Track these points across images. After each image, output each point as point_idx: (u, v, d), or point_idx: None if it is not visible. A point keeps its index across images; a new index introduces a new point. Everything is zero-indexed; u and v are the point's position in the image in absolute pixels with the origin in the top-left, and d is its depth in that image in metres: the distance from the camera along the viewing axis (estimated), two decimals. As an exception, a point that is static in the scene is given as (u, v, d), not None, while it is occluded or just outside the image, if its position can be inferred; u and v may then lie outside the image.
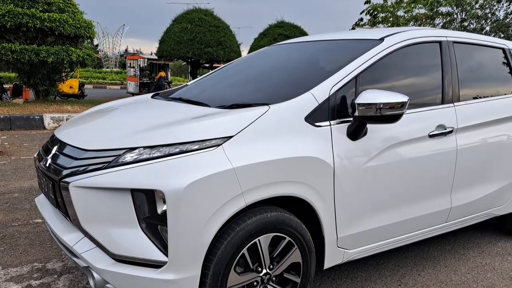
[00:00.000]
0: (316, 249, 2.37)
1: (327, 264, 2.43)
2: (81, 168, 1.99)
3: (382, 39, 2.79)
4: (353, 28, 17.70)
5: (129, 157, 1.94)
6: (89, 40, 18.96)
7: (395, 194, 2.63)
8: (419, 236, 2.91)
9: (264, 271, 2.14)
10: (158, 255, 1.88)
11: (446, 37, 3.10)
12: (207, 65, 22.54)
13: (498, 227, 3.83)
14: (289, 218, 2.18)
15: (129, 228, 1.91)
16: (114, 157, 1.96)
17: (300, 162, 2.18)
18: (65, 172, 2.04)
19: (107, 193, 1.91)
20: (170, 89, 3.44)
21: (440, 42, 3.05)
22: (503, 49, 3.63)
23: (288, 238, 2.19)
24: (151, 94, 3.32)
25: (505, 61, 3.63)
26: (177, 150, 1.94)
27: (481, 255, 3.37)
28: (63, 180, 2.02)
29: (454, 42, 3.14)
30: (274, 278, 2.20)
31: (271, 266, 2.17)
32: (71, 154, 2.14)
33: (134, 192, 1.89)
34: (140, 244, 1.89)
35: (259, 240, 2.08)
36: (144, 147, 1.96)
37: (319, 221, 2.31)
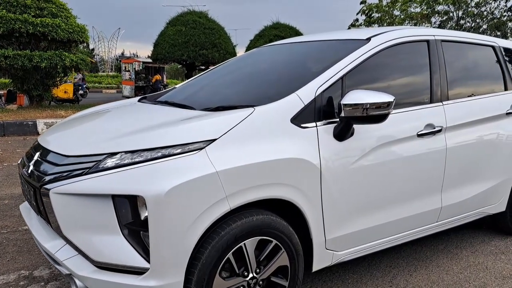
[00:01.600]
0: (304, 252, 2.35)
1: (316, 267, 2.40)
2: (62, 175, 1.97)
3: (368, 39, 2.77)
4: (349, 29, 17.71)
5: (110, 162, 1.91)
6: (84, 44, 18.92)
7: (384, 195, 2.61)
8: (409, 236, 2.88)
9: (251, 275, 2.12)
10: (140, 262, 1.85)
11: (434, 36, 3.08)
12: (203, 67, 22.52)
13: (492, 226, 3.81)
14: (276, 221, 2.16)
15: (111, 235, 1.88)
16: (95, 162, 1.93)
17: (286, 164, 2.15)
18: (46, 178, 2.01)
19: (88, 200, 1.88)
20: (158, 92, 3.42)
21: (427, 41, 3.03)
22: (493, 47, 3.62)
23: (275, 241, 2.17)
24: (138, 97, 3.29)
25: (495, 58, 3.61)
26: (159, 154, 1.91)
27: (474, 254, 3.35)
28: (43, 186, 1.99)
29: (442, 40, 3.12)
30: (261, 282, 2.17)
31: (258, 270, 2.14)
32: (52, 160, 2.11)
33: (116, 198, 1.86)
34: (122, 250, 1.87)
35: (244, 244, 2.06)
36: (126, 152, 1.93)
37: (307, 223, 2.28)
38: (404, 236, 2.84)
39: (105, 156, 1.94)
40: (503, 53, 3.66)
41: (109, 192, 1.85)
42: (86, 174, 1.91)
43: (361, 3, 17.45)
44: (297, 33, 21.46)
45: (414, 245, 3.45)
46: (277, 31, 21.11)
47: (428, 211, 2.88)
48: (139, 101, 3.15)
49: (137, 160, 1.90)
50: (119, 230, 1.87)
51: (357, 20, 18.17)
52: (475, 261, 3.22)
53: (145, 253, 1.86)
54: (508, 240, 3.63)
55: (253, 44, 21.28)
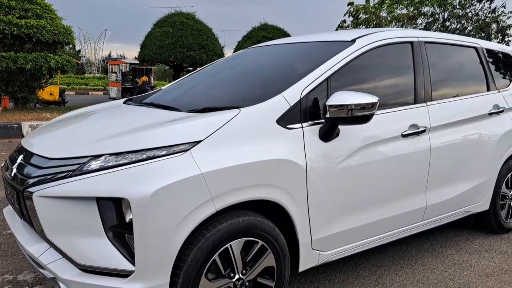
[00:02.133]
0: (290, 252, 2.36)
1: (302, 267, 2.41)
2: (45, 177, 1.95)
3: (353, 41, 2.80)
4: (336, 30, 17.82)
5: (94, 164, 1.90)
6: (70, 46, 18.72)
7: (369, 195, 2.63)
8: (395, 235, 2.91)
9: (237, 276, 2.12)
10: (125, 264, 1.84)
11: (417, 37, 3.13)
12: (190, 68, 22.46)
13: (476, 224, 3.87)
14: (262, 222, 2.16)
15: (95, 238, 1.87)
16: (79, 165, 1.92)
17: (272, 165, 2.16)
18: (29, 181, 1.99)
19: (72, 203, 1.87)
20: (143, 94, 3.40)
21: (411, 43, 3.07)
22: (475, 48, 3.68)
23: (261, 242, 2.17)
24: (124, 99, 3.28)
25: (478, 60, 3.67)
26: (144, 156, 1.90)
27: (459, 252, 3.40)
28: (27, 190, 1.97)
29: (426, 42, 3.16)
30: (247, 283, 2.17)
31: (244, 271, 2.14)
32: (35, 163, 2.09)
33: (100, 200, 1.85)
34: (107, 253, 1.85)
35: (230, 245, 2.06)
36: (110, 154, 1.92)
37: (293, 224, 2.29)
38: (389, 235, 2.86)
39: (89, 158, 1.93)
40: (486, 54, 3.73)
41: (93, 194, 1.84)
42: (70, 176, 1.89)
43: (348, 4, 17.58)
44: (285, 34, 21.53)
45: (400, 244, 3.48)
46: (265, 33, 21.17)
47: (413, 210, 2.91)
48: (124, 103, 3.13)
49: (121, 162, 1.89)
50: (103, 233, 1.86)
51: (344, 21, 18.29)
52: (460, 259, 3.27)
53: (130, 255, 1.85)
54: (491, 238, 3.69)
55: (241, 45, 21.31)
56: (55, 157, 2.02)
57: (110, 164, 1.89)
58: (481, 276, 3.00)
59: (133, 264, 1.84)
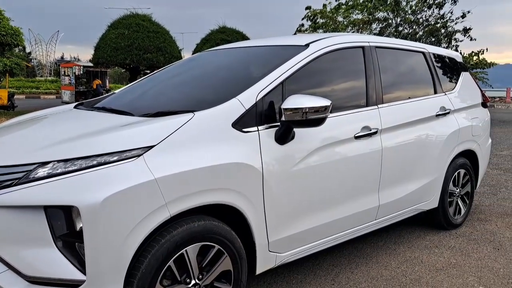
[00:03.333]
0: (248, 255, 2.36)
1: (259, 269, 2.43)
2: (-11, 186, 1.85)
3: (307, 45, 2.85)
4: (295, 34, 18.07)
5: (41, 172, 1.83)
6: (20, 48, 17.93)
7: (325, 196, 2.69)
8: (350, 234, 2.99)
9: (193, 281, 2.10)
10: (76, 274, 1.78)
11: (368, 42, 3.23)
12: (148, 71, 22.04)
13: (426, 221, 4.03)
14: (218, 226, 2.16)
15: (44, 248, 1.80)
16: (25, 172, 1.84)
17: (228, 169, 2.16)
18: (-29, 191, 1.88)
19: (18, 212, 1.79)
20: (95, 98, 3.31)
21: (363, 47, 3.16)
22: (423, 53, 3.84)
23: (217, 247, 2.16)
24: (74, 104, 3.17)
25: (426, 64, 3.84)
26: (94, 162, 1.85)
27: (411, 249, 3.53)
28: (-32, 200, 1.86)
29: (377, 47, 3.27)
30: (204, 288, 2.16)
31: (201, 276, 2.13)
32: (-22, 171, 1.98)
33: (48, 209, 1.78)
34: (56, 263, 1.79)
35: (186, 250, 2.04)
36: (58, 161, 1.86)
37: (249, 227, 2.30)
38: (345, 234, 2.94)
39: (36, 165, 1.85)
40: (433, 59, 3.91)
41: (41, 203, 1.77)
42: (15, 185, 1.81)
43: (306, 8, 17.89)
44: (244, 37, 21.58)
45: (356, 243, 3.58)
46: (223, 35, 21.11)
47: (367, 209, 3.00)
48: (75, 107, 3.03)
49: (70, 169, 1.83)
50: (52, 243, 1.79)
51: (302, 25, 18.59)
52: (412, 255, 3.40)
53: (81, 265, 1.80)
54: (441, 234, 3.86)
55: (200, 48, 21.14)
56: (0, 164, 1.92)
57: (58, 171, 1.82)
58: (431, 271, 3.13)
59: (84, 273, 1.78)
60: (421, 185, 3.45)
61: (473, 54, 16.60)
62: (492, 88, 19.71)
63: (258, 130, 2.35)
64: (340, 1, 17.67)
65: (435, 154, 3.54)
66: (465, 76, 4.23)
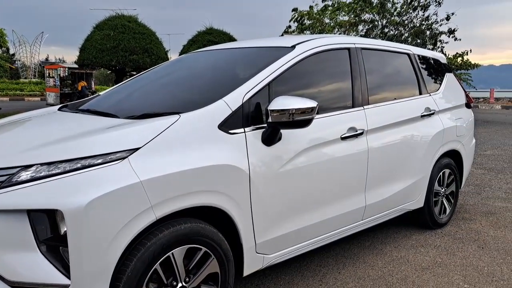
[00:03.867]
0: (235, 257, 2.36)
1: (247, 271, 2.42)
2: (-30, 190, 1.81)
3: (293, 47, 2.86)
4: (282, 35, 18.11)
5: (24, 175, 1.80)
6: (3, 49, 17.66)
7: (311, 196, 2.69)
8: (337, 235, 3.00)
9: (180, 284, 2.08)
10: (60, 278, 1.75)
11: (354, 44, 3.25)
12: (134, 73, 21.88)
13: (412, 221, 4.07)
14: (204, 228, 2.14)
15: (27, 252, 1.76)
16: (7, 176, 1.80)
17: (214, 171, 2.15)
18: (-49, 195, 1.84)
19: (0, 216, 1.75)
20: (80, 100, 3.27)
21: (349, 49, 3.18)
22: (408, 54, 3.89)
23: (204, 249, 2.15)
24: (59, 106, 3.13)
25: (410, 65, 3.88)
26: (78, 165, 1.83)
27: (397, 248, 3.56)
28: None
29: (362, 48, 3.30)
30: (191, 291, 2.15)
31: (187, 279, 2.12)
32: (-41, 175, 1.94)
33: (31, 213, 1.75)
34: (40, 268, 1.76)
35: (172, 253, 2.02)
36: (42, 164, 1.83)
37: (236, 228, 2.29)
38: (332, 235, 2.95)
39: (18, 169, 1.82)
40: (417, 60, 3.95)
41: (24, 207, 1.74)
42: None
43: (292, 10, 17.97)
44: (231, 39, 21.58)
45: (343, 243, 3.59)
46: (210, 37, 21.08)
47: (353, 210, 3.01)
48: (59, 109, 2.99)
49: (54, 172, 1.80)
50: (36, 247, 1.76)
51: (289, 26, 18.64)
52: (398, 255, 3.42)
53: (65, 269, 1.77)
54: (427, 233, 3.90)
55: (187, 49, 21.06)
56: None
57: (41, 174, 1.80)
58: (417, 270, 3.16)
59: (69, 277, 1.75)
60: (407, 185, 3.49)
61: (458, 55, 16.85)
62: (476, 89, 20.01)
63: (244, 132, 2.35)
64: (326, 3, 17.78)
65: (420, 154, 3.58)
66: (449, 77, 4.28)
